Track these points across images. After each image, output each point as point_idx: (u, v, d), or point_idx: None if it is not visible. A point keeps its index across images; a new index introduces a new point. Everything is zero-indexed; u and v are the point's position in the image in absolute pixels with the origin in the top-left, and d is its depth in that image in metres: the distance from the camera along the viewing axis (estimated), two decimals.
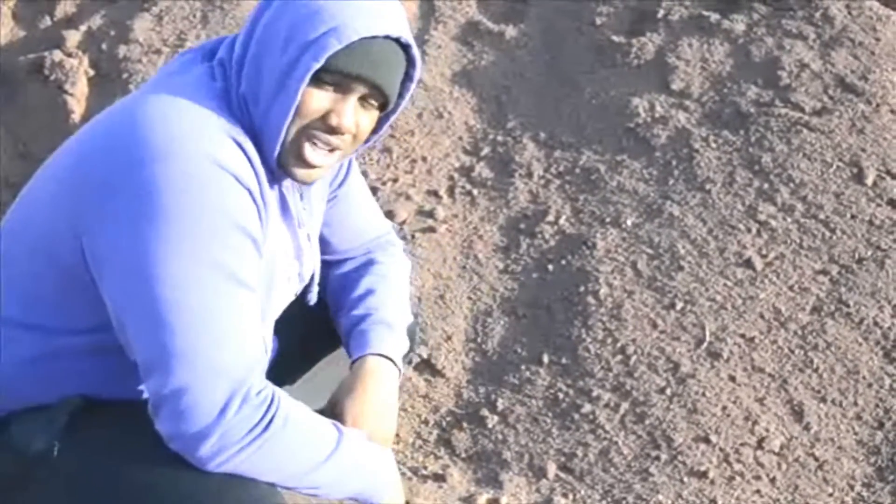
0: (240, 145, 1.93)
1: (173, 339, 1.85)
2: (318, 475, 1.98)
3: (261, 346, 1.96)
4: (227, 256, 1.89)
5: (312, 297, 2.29)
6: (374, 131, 2.11)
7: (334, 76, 1.94)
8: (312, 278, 2.28)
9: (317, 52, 1.91)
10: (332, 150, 2.01)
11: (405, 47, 2.00)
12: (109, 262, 1.89)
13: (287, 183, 2.09)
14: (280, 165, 2.00)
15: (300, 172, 2.02)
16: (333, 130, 1.98)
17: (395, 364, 2.31)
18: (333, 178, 2.33)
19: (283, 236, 2.12)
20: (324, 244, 2.39)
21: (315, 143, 1.99)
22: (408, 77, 2.05)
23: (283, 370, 2.44)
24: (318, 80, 1.94)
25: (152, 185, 1.85)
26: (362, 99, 2.00)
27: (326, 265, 2.43)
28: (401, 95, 2.07)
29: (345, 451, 2.00)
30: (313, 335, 2.48)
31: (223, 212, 1.88)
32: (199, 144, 1.88)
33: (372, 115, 2.04)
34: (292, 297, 2.28)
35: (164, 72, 2.09)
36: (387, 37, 1.96)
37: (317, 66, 1.91)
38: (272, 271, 2.08)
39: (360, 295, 2.39)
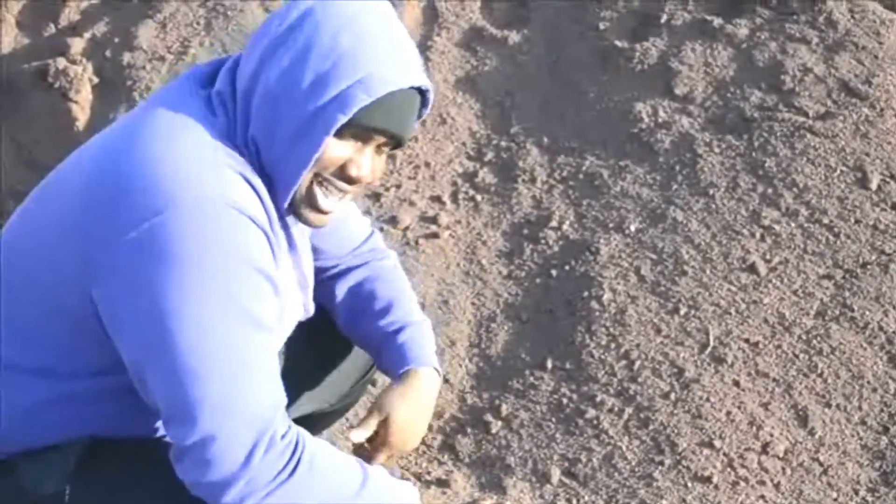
0: (250, 184, 1.89)
1: (197, 386, 1.82)
2: None
3: (281, 387, 1.93)
4: (247, 300, 1.86)
5: (310, 309, 2.28)
6: None
7: (355, 129, 1.91)
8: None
9: (344, 105, 1.86)
10: (343, 196, 1.99)
11: (422, 92, 1.98)
12: (126, 313, 1.85)
13: (290, 219, 2.06)
14: (291, 208, 1.98)
15: (312, 218, 2.00)
16: (351, 180, 1.95)
17: (439, 372, 2.36)
18: None
19: (289, 270, 2.09)
20: (316, 252, 2.38)
21: (328, 189, 1.96)
22: (418, 115, 2.03)
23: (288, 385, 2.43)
24: (339, 130, 1.89)
25: (166, 233, 1.80)
26: (379, 145, 1.98)
27: (327, 277, 2.43)
28: None
29: (371, 489, 1.98)
30: (309, 346, 2.47)
31: (241, 254, 1.85)
32: (212, 187, 1.83)
33: (384, 159, 2.02)
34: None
35: (159, 100, 1.99)
36: (410, 86, 1.93)
37: (344, 119, 1.87)
38: (283, 307, 2.06)
39: (382, 307, 2.38)
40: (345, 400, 2.62)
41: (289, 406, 2.40)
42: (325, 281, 2.42)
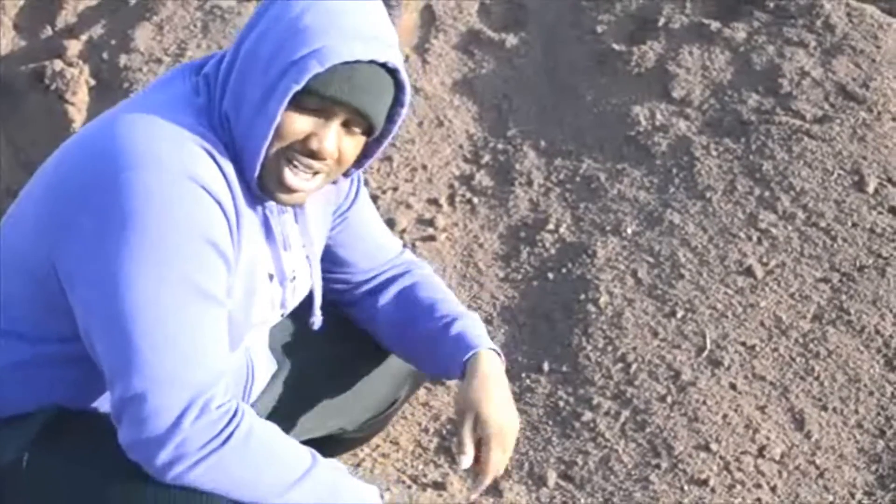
0: (214, 160, 1.92)
1: (134, 346, 1.86)
2: (286, 499, 1.95)
3: (225, 359, 1.95)
4: (191, 268, 1.88)
5: (316, 321, 2.28)
6: (367, 156, 2.09)
7: (315, 100, 1.92)
8: (313, 302, 2.26)
9: (297, 74, 1.89)
10: (314, 174, 1.99)
11: (393, 72, 1.97)
12: (77, 270, 1.90)
13: (272, 205, 2.07)
14: (262, 188, 1.99)
15: (282, 196, 2.00)
16: (314, 154, 1.96)
17: (499, 354, 2.36)
18: (343, 200, 2.32)
19: (265, 259, 2.10)
20: (344, 265, 2.39)
21: (295, 167, 1.97)
22: (398, 102, 2.02)
23: (290, 402, 2.43)
24: (299, 103, 1.91)
25: (120, 195, 1.85)
26: (346, 124, 1.97)
27: (366, 292, 2.43)
28: (392, 121, 2.04)
29: (318, 479, 1.97)
30: (322, 366, 2.47)
31: (190, 223, 1.88)
32: (171, 155, 1.87)
33: (357, 140, 2.01)
34: (274, 321, 2.27)
35: (151, 85, 2.09)
36: (372, 62, 1.93)
37: (297, 87, 1.89)
38: (252, 290, 2.06)
39: (426, 308, 2.39)
40: (362, 430, 2.63)
41: (296, 425, 2.41)
42: (363, 296, 2.43)
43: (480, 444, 2.23)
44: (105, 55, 4.18)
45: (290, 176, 1.97)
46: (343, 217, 2.33)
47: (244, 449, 1.90)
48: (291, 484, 1.95)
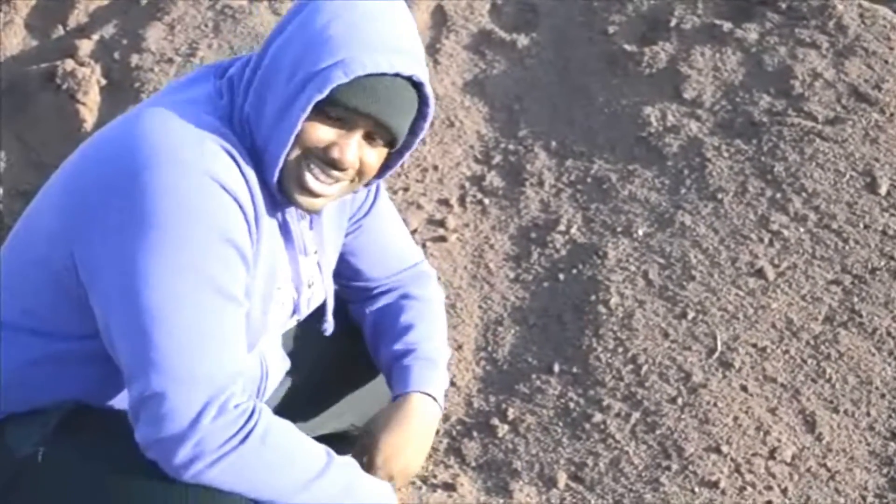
0: (235, 161, 1.92)
1: (153, 345, 1.86)
2: (303, 498, 1.95)
3: (244, 359, 1.95)
4: (211, 266, 1.88)
5: (328, 327, 2.28)
6: (387, 167, 2.08)
7: (338, 110, 1.92)
8: (325, 308, 2.26)
9: (321, 83, 1.88)
10: (334, 182, 1.99)
11: (417, 85, 1.97)
12: (97, 268, 1.90)
13: (292, 210, 2.07)
14: (283, 192, 1.99)
15: (303, 200, 2.00)
16: (334, 164, 1.95)
17: (437, 402, 2.32)
18: (357, 209, 2.31)
19: (282, 262, 2.10)
20: (353, 272, 2.39)
21: (316, 173, 1.97)
22: (421, 115, 2.02)
23: (301, 402, 2.44)
24: (322, 112, 1.92)
25: (141, 192, 1.85)
26: (368, 135, 1.97)
27: (361, 300, 2.43)
28: (414, 133, 2.04)
29: (334, 477, 1.97)
30: (333, 367, 2.47)
31: (210, 221, 1.88)
32: (192, 155, 1.88)
33: (380, 152, 2.01)
34: (289, 327, 2.27)
35: (172, 85, 2.09)
36: (397, 74, 1.92)
37: (320, 97, 1.89)
38: (269, 293, 2.07)
39: (400, 330, 2.38)
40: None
41: (308, 422, 2.41)
42: (361, 303, 2.43)
43: (367, 461, 2.23)
44: (116, 55, 4.18)
45: (310, 179, 1.97)
46: (358, 224, 2.32)
47: (262, 448, 1.90)
48: (308, 482, 1.95)
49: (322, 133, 1.93)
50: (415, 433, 2.26)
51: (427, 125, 2.04)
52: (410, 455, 2.26)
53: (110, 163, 1.90)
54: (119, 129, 1.97)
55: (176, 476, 1.89)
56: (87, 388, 2.04)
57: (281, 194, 2.00)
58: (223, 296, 1.90)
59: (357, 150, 1.96)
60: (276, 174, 1.95)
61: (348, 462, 2.03)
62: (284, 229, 2.08)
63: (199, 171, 1.87)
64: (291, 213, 2.08)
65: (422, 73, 1.96)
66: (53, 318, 2.01)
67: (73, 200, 1.94)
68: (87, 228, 1.90)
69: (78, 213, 1.91)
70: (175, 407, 1.85)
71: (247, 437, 1.89)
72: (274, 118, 1.93)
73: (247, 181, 1.94)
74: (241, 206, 1.92)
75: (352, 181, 2.02)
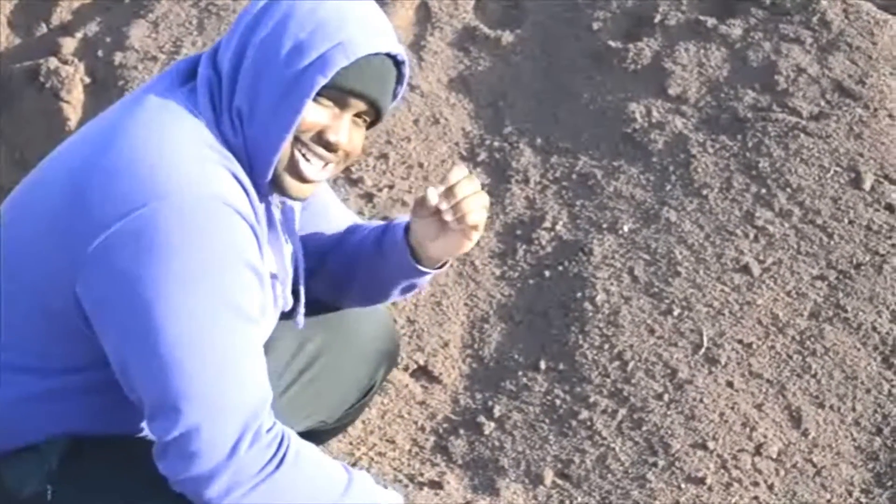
0: (234, 175, 1.90)
1: (182, 379, 1.82)
2: None
3: (267, 382, 1.93)
4: (234, 293, 1.86)
5: (300, 320, 2.25)
6: None
7: (334, 92, 1.93)
8: (298, 298, 2.23)
9: (324, 66, 1.89)
10: (325, 165, 2.00)
11: (398, 64, 2.00)
12: (111, 307, 1.85)
13: (274, 199, 2.05)
14: (273, 182, 1.98)
15: (295, 187, 1.99)
16: (329, 146, 1.96)
17: None
18: None
19: (272, 263, 2.08)
20: (306, 244, 2.36)
21: (309, 160, 1.97)
22: (392, 94, 2.04)
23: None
24: (316, 95, 1.92)
25: (152, 225, 1.81)
26: (356, 115, 1.99)
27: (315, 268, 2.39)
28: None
29: (356, 492, 1.97)
30: (292, 356, 2.45)
31: (229, 248, 1.86)
32: (197, 179, 1.84)
33: (362, 132, 2.03)
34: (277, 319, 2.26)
35: (142, 94, 1.99)
36: (387, 54, 1.96)
37: (324, 80, 1.89)
38: (266, 301, 2.05)
39: (365, 227, 2.34)
40: (342, 420, 2.61)
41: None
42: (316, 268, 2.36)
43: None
44: (100, 53, 4.17)
45: (306, 167, 1.97)
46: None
47: (295, 471, 1.89)
48: (337, 499, 1.95)
49: (317, 115, 1.94)
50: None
51: (395, 103, 2.06)
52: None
53: (108, 193, 1.84)
54: (110, 154, 1.88)
55: None
56: (83, 421, 1.99)
57: (271, 186, 1.99)
58: (247, 320, 1.88)
59: (349, 132, 1.98)
60: (273, 164, 1.94)
61: (362, 474, 2.02)
62: (269, 220, 2.06)
63: (207, 196, 1.84)
64: (274, 204, 2.06)
65: (404, 52, 2.00)
66: (46, 354, 1.96)
67: (71, 237, 1.86)
68: (96, 266, 1.84)
69: (80, 252, 1.84)
70: (210, 440, 1.82)
71: (281, 462, 1.88)
72: (272, 105, 1.91)
73: (247, 194, 1.92)
74: (250, 226, 1.90)
75: (337, 164, 2.02)
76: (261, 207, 1.97)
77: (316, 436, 2.54)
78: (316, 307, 2.37)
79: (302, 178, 1.99)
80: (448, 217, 2.10)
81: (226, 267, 1.85)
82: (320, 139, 1.96)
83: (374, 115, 2.01)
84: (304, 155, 1.96)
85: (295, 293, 2.23)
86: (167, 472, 1.87)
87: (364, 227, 2.36)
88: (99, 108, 3.89)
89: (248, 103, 1.93)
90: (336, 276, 2.35)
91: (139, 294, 1.81)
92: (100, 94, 4.01)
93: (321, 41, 1.90)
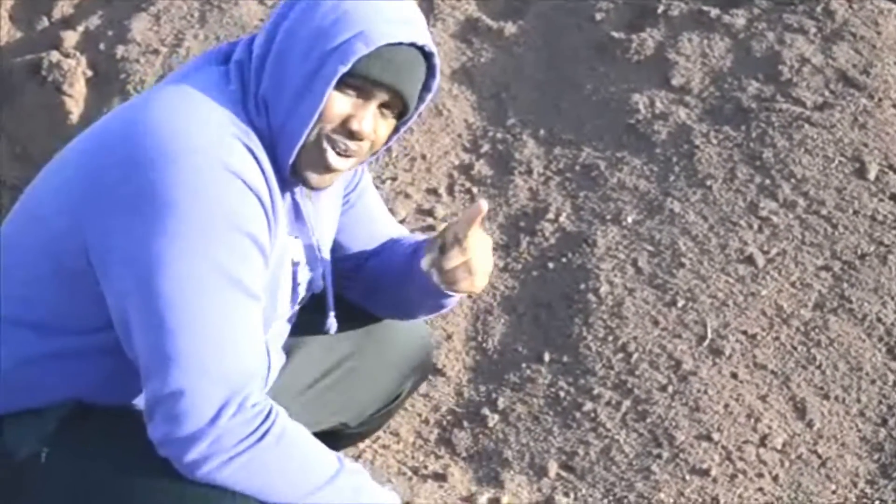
0: (251, 151, 1.92)
1: (173, 341, 1.85)
2: (310, 500, 1.94)
3: (262, 357, 1.95)
4: (233, 262, 1.87)
5: (332, 326, 2.27)
6: (387, 140, 2.10)
7: (357, 81, 1.94)
8: (326, 302, 2.24)
9: (344, 55, 1.90)
10: (348, 156, 2.00)
11: (427, 56, 2.00)
12: (115, 261, 1.88)
13: (298, 190, 2.07)
14: (294, 170, 1.99)
15: (315, 177, 2.01)
16: (353, 135, 1.97)
17: None
18: (348, 184, 2.31)
19: (295, 244, 2.10)
20: (342, 249, 2.37)
21: (332, 148, 1.98)
22: (425, 87, 2.04)
23: (294, 393, 2.41)
24: (340, 84, 1.93)
25: (161, 186, 1.84)
26: (381, 106, 1.99)
27: (351, 273, 2.39)
28: (416, 106, 2.06)
29: (344, 483, 1.96)
30: (323, 356, 2.45)
31: (232, 217, 1.87)
32: (210, 148, 1.87)
33: (389, 124, 2.03)
34: (296, 308, 2.25)
35: (178, 73, 2.07)
36: (411, 44, 1.96)
37: (344, 69, 1.90)
38: (277, 282, 2.06)
39: (403, 241, 2.35)
40: (365, 425, 2.61)
41: (298, 418, 2.39)
42: (354, 272, 2.38)
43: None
44: (102, 46, 4.16)
45: (332, 156, 1.98)
46: (347, 200, 2.32)
47: (276, 449, 1.90)
48: (317, 487, 1.94)
49: (340, 105, 1.95)
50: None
51: (430, 97, 2.07)
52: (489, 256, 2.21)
53: (126, 155, 1.88)
54: (133, 119, 1.94)
55: (187, 474, 1.88)
56: (89, 383, 2.01)
57: (293, 174, 2.00)
58: (244, 292, 1.89)
59: (373, 121, 1.99)
60: (295, 152, 1.95)
61: (358, 469, 2.02)
62: (294, 209, 2.07)
63: (218, 165, 1.86)
64: (299, 194, 2.08)
65: (431, 43, 2.00)
66: (59, 312, 1.98)
67: (86, 192, 1.91)
68: (104, 220, 1.88)
69: (92, 205, 1.89)
70: (194, 404, 1.84)
71: (262, 437, 1.88)
72: (295, 95, 1.94)
73: (262, 170, 1.94)
74: (259, 199, 1.92)
75: (362, 154, 2.03)
76: (279, 198, 1.98)
77: (336, 438, 2.54)
78: (355, 314, 2.40)
79: (325, 168, 2.00)
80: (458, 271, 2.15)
81: (225, 235, 1.87)
82: (344, 128, 1.97)
83: (400, 107, 2.01)
84: (329, 144, 1.98)
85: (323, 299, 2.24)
86: (153, 435, 1.88)
87: (404, 241, 2.37)
88: (101, 102, 3.90)
89: (274, 91, 1.96)
90: (368, 284, 2.38)
91: (139, 252, 1.85)
92: (102, 88, 4.01)
93: (343, 30, 1.91)
